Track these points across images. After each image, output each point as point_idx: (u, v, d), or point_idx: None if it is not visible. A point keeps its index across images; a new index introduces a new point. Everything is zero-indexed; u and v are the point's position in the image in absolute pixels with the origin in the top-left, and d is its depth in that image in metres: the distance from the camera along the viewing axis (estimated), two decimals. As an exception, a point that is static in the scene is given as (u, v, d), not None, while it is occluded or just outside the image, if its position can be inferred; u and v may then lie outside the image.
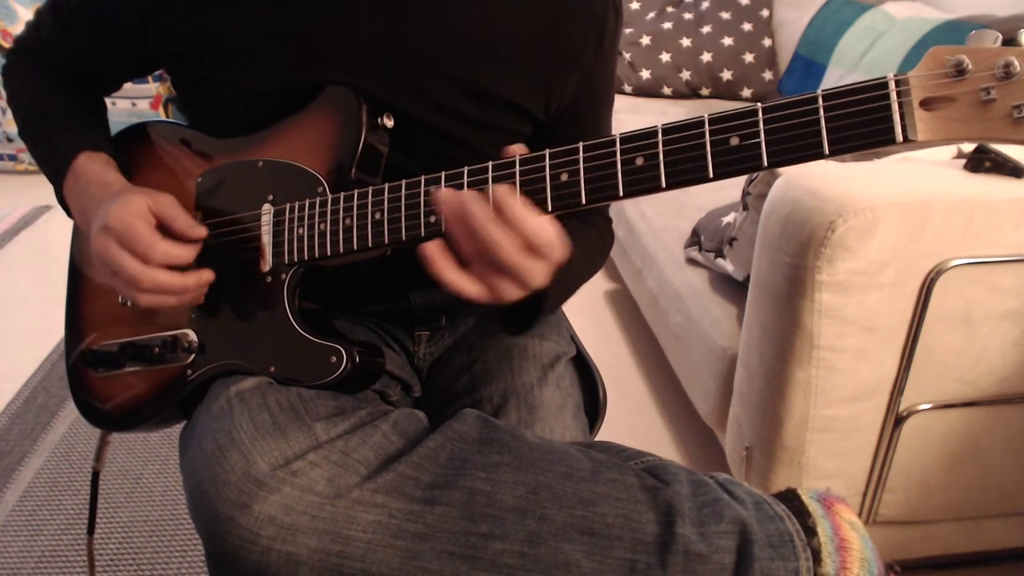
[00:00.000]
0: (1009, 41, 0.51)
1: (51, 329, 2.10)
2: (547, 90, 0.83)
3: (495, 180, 0.65)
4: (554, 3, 0.80)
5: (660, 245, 1.81)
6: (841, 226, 0.97)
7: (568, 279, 0.79)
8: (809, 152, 0.55)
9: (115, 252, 0.74)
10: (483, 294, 0.64)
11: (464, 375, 0.90)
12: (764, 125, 0.56)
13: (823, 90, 0.55)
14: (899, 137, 0.53)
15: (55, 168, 0.85)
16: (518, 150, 0.65)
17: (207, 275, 0.78)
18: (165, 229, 0.76)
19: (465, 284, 0.63)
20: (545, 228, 0.61)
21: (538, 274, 0.64)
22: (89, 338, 0.90)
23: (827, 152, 0.54)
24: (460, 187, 0.67)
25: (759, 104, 0.56)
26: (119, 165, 0.86)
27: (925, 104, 0.53)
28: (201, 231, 0.78)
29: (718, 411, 1.42)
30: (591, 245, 0.89)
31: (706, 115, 0.59)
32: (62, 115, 0.88)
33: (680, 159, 0.59)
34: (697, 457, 1.69)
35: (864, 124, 0.53)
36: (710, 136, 0.58)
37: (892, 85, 0.53)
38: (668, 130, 0.60)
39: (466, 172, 0.67)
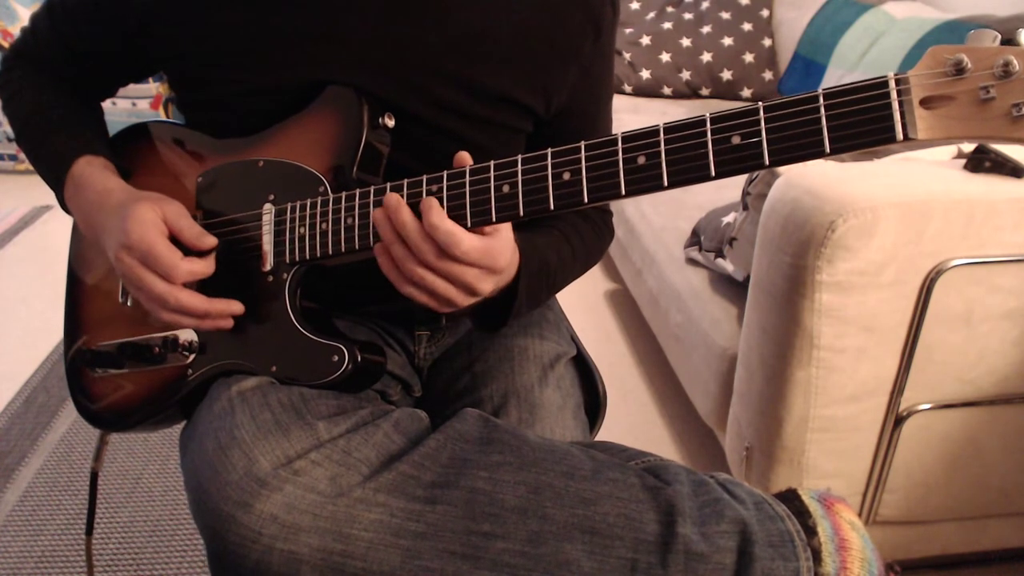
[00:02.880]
0: (1008, 41, 0.51)
1: (51, 329, 2.10)
2: (546, 85, 0.83)
3: (496, 180, 0.66)
4: None
5: (660, 245, 1.81)
6: (841, 226, 0.97)
7: (543, 279, 0.81)
8: (810, 151, 0.55)
9: (140, 272, 0.74)
10: (428, 299, 0.70)
11: (464, 375, 0.90)
12: (765, 124, 0.56)
13: (824, 89, 0.55)
14: (899, 136, 0.53)
15: (54, 175, 0.84)
16: (466, 160, 0.68)
17: (236, 306, 0.77)
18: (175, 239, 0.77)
19: (407, 288, 0.70)
20: (455, 236, 0.65)
21: (475, 280, 0.68)
22: (88, 337, 0.90)
23: (828, 151, 0.55)
24: (462, 185, 0.67)
25: (760, 103, 0.57)
26: (118, 168, 0.85)
27: (925, 103, 0.53)
28: (211, 240, 0.78)
29: (718, 411, 1.42)
30: (582, 241, 0.90)
31: (707, 114, 0.59)
32: (58, 121, 0.88)
33: (682, 158, 0.59)
34: (697, 457, 1.69)
35: (865, 123, 0.54)
36: (712, 135, 0.58)
37: (892, 84, 0.53)
38: (670, 129, 0.60)
39: (468, 171, 0.67)
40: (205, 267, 0.77)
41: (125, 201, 0.78)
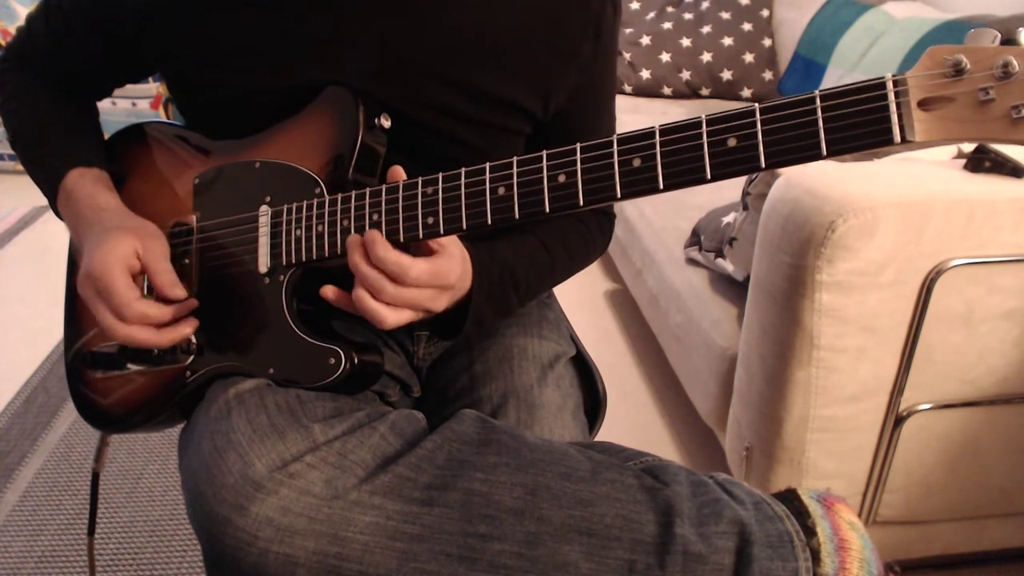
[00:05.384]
0: (1008, 41, 0.51)
1: (50, 329, 2.10)
2: (545, 87, 0.82)
3: (492, 182, 0.65)
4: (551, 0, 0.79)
5: (660, 245, 1.81)
6: (841, 226, 0.97)
7: (507, 287, 0.82)
8: (807, 153, 0.55)
9: (93, 302, 0.76)
10: (396, 319, 0.70)
11: (463, 375, 0.90)
12: (762, 126, 0.56)
13: (821, 90, 0.54)
14: (897, 138, 0.52)
15: (47, 184, 0.85)
16: (399, 175, 0.71)
17: (187, 330, 0.78)
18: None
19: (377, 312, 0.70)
20: (402, 265, 0.68)
21: (430, 303, 0.71)
22: (88, 338, 0.89)
23: (825, 153, 0.54)
24: (457, 187, 0.67)
25: (757, 105, 0.56)
26: (113, 172, 0.85)
27: (923, 104, 0.52)
28: (180, 292, 0.77)
29: (718, 411, 1.42)
30: (564, 246, 0.89)
31: (703, 116, 0.58)
32: (53, 127, 0.87)
33: (678, 160, 0.59)
34: (697, 457, 1.68)
35: (862, 125, 0.53)
36: (707, 137, 0.58)
37: (890, 85, 0.53)
38: (665, 131, 0.59)
39: (463, 173, 0.67)
40: (160, 313, 0.76)
41: (112, 227, 0.78)
